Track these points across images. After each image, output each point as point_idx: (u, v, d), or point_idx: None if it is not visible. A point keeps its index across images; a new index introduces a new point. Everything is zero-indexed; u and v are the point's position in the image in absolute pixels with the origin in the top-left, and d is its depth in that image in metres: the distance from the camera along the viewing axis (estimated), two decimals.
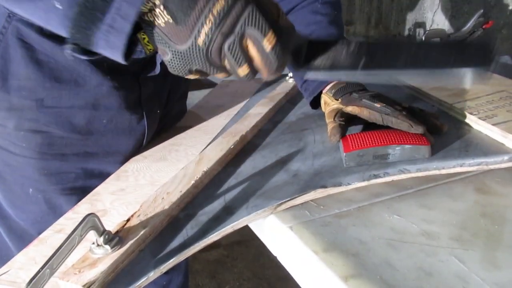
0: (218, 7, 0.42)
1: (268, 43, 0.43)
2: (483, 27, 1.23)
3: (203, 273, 1.80)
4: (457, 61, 0.46)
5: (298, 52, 0.49)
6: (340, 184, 0.61)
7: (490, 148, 0.64)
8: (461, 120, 0.73)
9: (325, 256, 0.49)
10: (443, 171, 0.62)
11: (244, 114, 0.89)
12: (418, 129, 0.64)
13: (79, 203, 0.72)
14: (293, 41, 0.47)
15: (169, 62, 0.46)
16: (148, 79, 0.78)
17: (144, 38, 0.47)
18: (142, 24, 0.45)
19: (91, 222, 0.52)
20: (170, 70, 0.47)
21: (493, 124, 0.66)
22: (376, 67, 0.49)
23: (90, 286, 0.49)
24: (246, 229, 0.64)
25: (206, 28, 0.42)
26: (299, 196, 0.59)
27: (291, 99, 0.97)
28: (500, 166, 0.62)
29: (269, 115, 0.89)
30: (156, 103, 0.82)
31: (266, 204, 0.59)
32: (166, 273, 0.95)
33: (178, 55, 0.45)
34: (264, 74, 0.46)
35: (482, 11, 1.15)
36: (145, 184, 0.74)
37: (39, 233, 0.65)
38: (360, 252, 0.49)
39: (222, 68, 0.46)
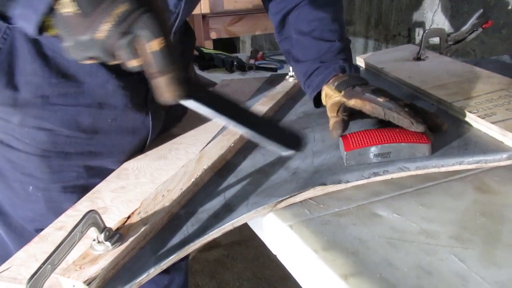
0: (120, 9, 0.47)
1: (156, 45, 0.48)
2: (483, 26, 1.23)
3: (203, 273, 1.80)
4: (272, 139, 0.55)
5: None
6: (339, 182, 0.61)
7: (489, 146, 0.65)
8: (461, 118, 0.74)
9: (325, 254, 0.49)
10: (442, 169, 0.62)
11: None
12: (419, 127, 0.64)
13: (80, 200, 0.72)
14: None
15: (67, 48, 0.51)
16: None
17: (50, 21, 0.51)
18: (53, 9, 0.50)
19: (92, 219, 0.52)
20: (67, 55, 0.51)
21: (492, 123, 0.67)
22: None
23: (91, 283, 0.50)
24: (246, 229, 0.64)
25: (107, 25, 0.47)
26: (299, 193, 0.60)
27: (291, 98, 0.97)
28: (499, 164, 0.62)
29: (269, 114, 0.89)
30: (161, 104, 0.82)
31: (266, 201, 0.59)
32: (168, 272, 0.96)
33: (78, 43, 0.49)
34: (149, 72, 0.50)
35: (481, 10, 1.15)
36: (146, 182, 0.75)
37: (37, 231, 0.65)
38: (360, 250, 0.50)
39: (116, 58, 0.51)
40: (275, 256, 0.59)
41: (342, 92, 0.74)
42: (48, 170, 0.76)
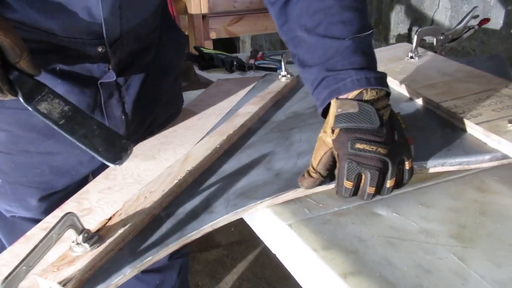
0: None
1: None
2: (480, 24, 1.22)
3: (203, 273, 1.81)
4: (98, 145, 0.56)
5: (28, 90, 0.58)
6: (320, 183, 0.61)
7: (473, 148, 0.64)
8: (447, 119, 0.73)
9: (324, 253, 0.50)
10: (424, 171, 0.62)
11: (235, 113, 0.89)
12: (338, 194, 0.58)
13: (67, 201, 0.73)
14: (24, 79, 0.57)
15: None
16: (109, 84, 0.77)
17: None
18: None
19: (69, 221, 0.52)
20: None
21: (477, 123, 0.66)
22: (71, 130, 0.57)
23: (66, 284, 0.50)
24: (246, 229, 0.63)
25: None
26: (279, 195, 0.59)
27: (282, 98, 0.97)
28: (482, 166, 0.61)
29: (259, 114, 0.89)
30: (119, 108, 0.81)
31: (245, 203, 0.59)
32: (159, 272, 0.96)
33: None
34: None
35: (476, 7, 1.14)
36: (132, 182, 0.75)
37: (13, 218, 0.66)
38: (360, 249, 0.50)
39: None
40: (275, 256, 0.59)
41: (334, 135, 0.59)
42: (13, 165, 0.78)
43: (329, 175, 0.60)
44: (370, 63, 0.63)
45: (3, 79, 0.56)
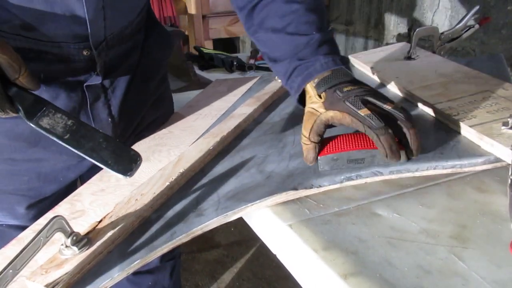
0: None
1: None
2: (480, 23, 1.21)
3: (202, 273, 1.81)
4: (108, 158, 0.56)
5: (29, 106, 0.57)
6: (311, 187, 0.60)
7: (466, 150, 0.63)
8: (441, 121, 0.72)
9: (324, 254, 0.49)
10: (417, 174, 0.61)
11: (230, 115, 0.89)
12: (393, 159, 0.60)
13: (61, 203, 0.73)
14: (24, 95, 0.57)
15: None
16: (95, 87, 0.77)
17: None
18: None
19: (57, 224, 0.52)
20: None
21: (471, 126, 0.65)
22: (77, 145, 0.57)
23: (54, 287, 0.50)
24: (246, 229, 0.63)
25: None
26: (269, 198, 0.59)
27: (278, 99, 0.97)
28: (475, 169, 0.61)
29: (253, 116, 0.89)
30: (106, 111, 0.80)
31: (236, 206, 0.59)
32: (151, 273, 0.96)
33: None
34: None
35: (478, 7, 1.13)
36: (125, 184, 0.75)
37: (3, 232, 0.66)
38: (360, 250, 0.49)
39: None
40: (275, 256, 0.59)
41: (322, 97, 0.66)
42: None
43: (320, 141, 0.65)
44: (335, 50, 0.72)
45: (3, 97, 0.55)
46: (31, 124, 0.56)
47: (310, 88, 0.69)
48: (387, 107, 0.62)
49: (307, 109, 0.68)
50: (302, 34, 0.71)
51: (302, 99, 0.73)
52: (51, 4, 0.62)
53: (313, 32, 0.71)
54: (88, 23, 0.67)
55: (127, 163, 0.56)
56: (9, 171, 0.78)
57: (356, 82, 0.67)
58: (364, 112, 0.61)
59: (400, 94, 0.87)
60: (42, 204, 0.82)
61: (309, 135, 0.64)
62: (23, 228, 0.69)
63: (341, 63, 0.70)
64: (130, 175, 0.55)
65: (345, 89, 0.64)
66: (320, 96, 0.66)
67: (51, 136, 0.56)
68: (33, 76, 0.56)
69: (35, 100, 0.57)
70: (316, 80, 0.68)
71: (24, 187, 0.79)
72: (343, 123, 0.63)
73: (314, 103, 0.67)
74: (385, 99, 0.65)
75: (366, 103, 0.63)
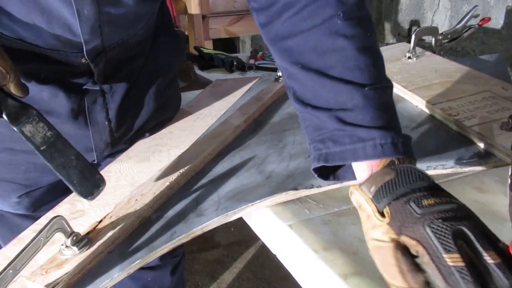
0: None
1: None
2: (479, 23, 1.21)
3: (202, 273, 1.81)
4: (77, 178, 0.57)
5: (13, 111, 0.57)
6: (311, 187, 0.60)
7: (466, 150, 0.63)
8: (441, 121, 0.73)
9: (324, 254, 0.50)
10: None
11: (230, 115, 0.89)
12: None
13: (60, 203, 0.73)
14: (9, 101, 0.56)
15: None
16: (94, 90, 0.77)
17: None
18: None
19: (57, 224, 0.52)
20: None
21: (470, 126, 0.65)
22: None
23: (54, 287, 0.50)
24: (246, 229, 0.63)
25: None
26: (269, 198, 0.59)
27: (278, 99, 0.97)
28: (475, 169, 0.61)
29: (253, 116, 0.89)
30: (103, 114, 0.80)
31: (236, 206, 0.59)
32: (151, 269, 0.96)
33: None
34: None
35: (477, 6, 1.13)
36: (125, 185, 0.75)
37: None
38: (360, 250, 0.50)
39: None
40: (275, 256, 0.59)
41: (386, 215, 0.44)
42: None
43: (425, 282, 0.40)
44: (395, 122, 0.51)
45: None
46: (15, 128, 0.56)
47: (359, 195, 0.47)
48: (490, 260, 0.39)
49: (370, 243, 0.45)
50: (350, 82, 0.51)
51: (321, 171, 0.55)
52: (47, 18, 0.63)
53: (367, 82, 0.51)
54: (82, 40, 0.67)
55: (91, 187, 0.57)
56: (8, 160, 0.78)
57: (438, 189, 0.45)
58: (453, 260, 0.38)
59: (400, 94, 0.87)
60: (35, 193, 0.82)
61: (404, 283, 0.40)
62: (19, 216, 0.69)
63: (402, 151, 0.48)
64: (91, 199, 0.57)
65: (424, 203, 0.42)
66: (383, 214, 0.44)
67: (29, 144, 0.56)
68: (21, 84, 0.56)
69: (21, 107, 0.57)
70: (372, 188, 0.46)
71: (21, 176, 0.80)
72: (412, 251, 0.41)
73: (376, 228, 0.44)
74: (488, 237, 0.41)
75: (458, 237, 0.40)
